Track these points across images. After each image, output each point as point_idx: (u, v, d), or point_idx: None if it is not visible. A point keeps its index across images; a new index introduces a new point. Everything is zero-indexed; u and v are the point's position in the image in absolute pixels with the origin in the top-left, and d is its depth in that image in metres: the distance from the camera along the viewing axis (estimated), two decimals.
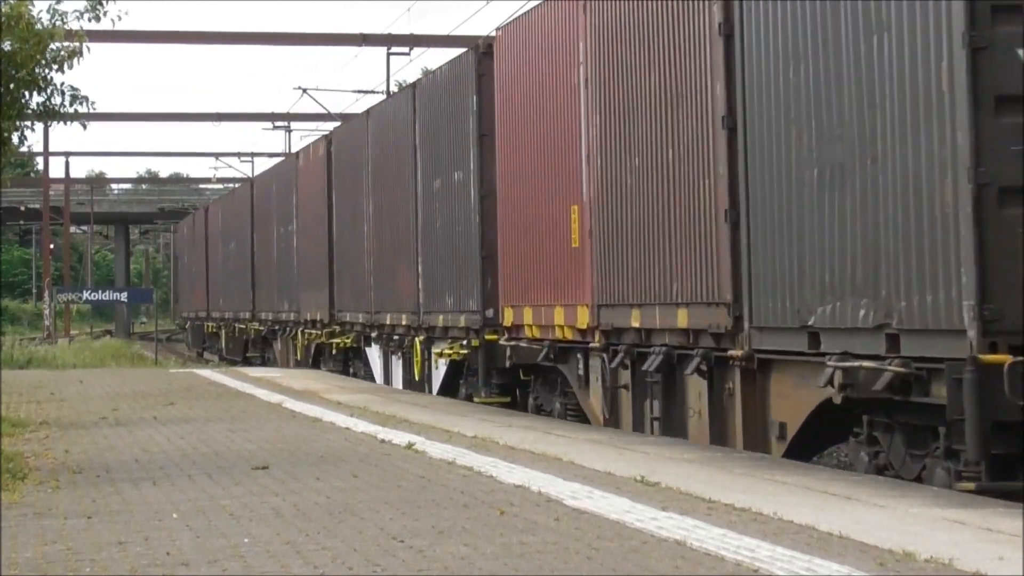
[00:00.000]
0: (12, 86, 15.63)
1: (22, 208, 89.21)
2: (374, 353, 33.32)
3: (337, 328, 36.49)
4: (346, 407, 22.08)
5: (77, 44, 15.85)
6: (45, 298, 58.91)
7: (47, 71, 15.77)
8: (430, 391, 27.96)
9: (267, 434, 17.92)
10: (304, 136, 70.95)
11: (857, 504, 10.97)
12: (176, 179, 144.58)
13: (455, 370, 27.01)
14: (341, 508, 11.20)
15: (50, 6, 15.98)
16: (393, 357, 31.40)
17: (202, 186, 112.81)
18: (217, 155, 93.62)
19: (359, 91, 67.17)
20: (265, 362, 48.36)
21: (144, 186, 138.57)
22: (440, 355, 26.69)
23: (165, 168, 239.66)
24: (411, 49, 49.69)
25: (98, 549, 9.57)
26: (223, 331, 56.92)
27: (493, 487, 12.29)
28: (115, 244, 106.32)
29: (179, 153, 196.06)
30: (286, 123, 69.64)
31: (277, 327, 45.43)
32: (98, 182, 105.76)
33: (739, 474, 13.01)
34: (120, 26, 16.59)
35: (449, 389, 27.28)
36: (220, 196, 69.97)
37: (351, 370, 36.34)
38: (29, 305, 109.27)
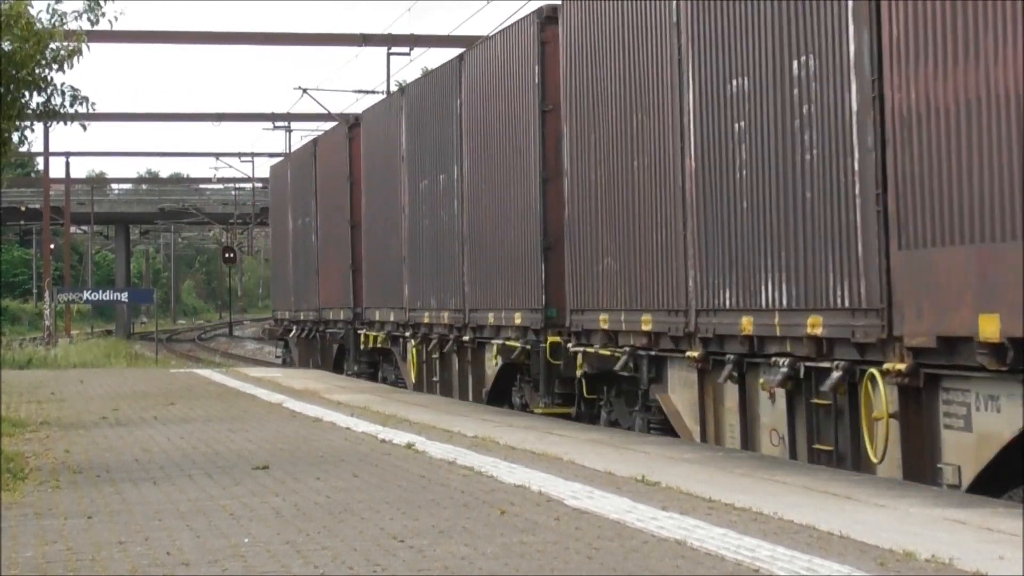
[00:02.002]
0: (12, 86, 15.64)
1: (22, 208, 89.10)
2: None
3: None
4: (346, 407, 22.09)
5: (77, 44, 15.85)
6: (45, 298, 58.76)
7: (47, 71, 15.78)
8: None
9: (267, 434, 17.92)
10: (304, 136, 70.66)
11: (857, 504, 10.98)
12: (176, 179, 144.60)
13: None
14: (341, 508, 11.20)
15: (49, 6, 16.00)
16: None
17: (202, 186, 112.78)
18: (217, 155, 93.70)
19: (359, 91, 66.92)
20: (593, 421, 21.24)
21: (144, 186, 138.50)
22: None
23: (165, 168, 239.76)
24: (411, 49, 49.69)
25: (98, 549, 9.57)
26: (411, 347, 30.23)
27: (493, 487, 12.30)
28: (115, 244, 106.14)
29: (179, 153, 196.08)
30: (286, 123, 69.55)
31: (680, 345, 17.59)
32: (98, 182, 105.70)
33: (739, 474, 13.02)
34: (119, 26, 16.63)
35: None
36: (384, 99, 35.70)
37: None
38: (29, 305, 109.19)
